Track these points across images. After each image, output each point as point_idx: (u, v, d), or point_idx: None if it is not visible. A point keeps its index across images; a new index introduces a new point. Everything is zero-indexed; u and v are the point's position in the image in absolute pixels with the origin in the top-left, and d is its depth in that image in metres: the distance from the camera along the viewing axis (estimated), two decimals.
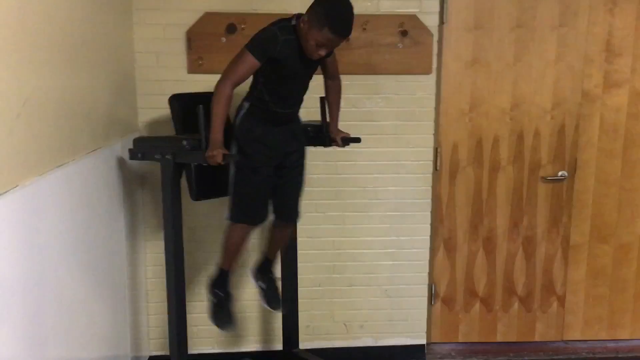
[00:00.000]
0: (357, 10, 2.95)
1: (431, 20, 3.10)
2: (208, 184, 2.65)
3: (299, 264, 3.14)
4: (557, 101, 3.33)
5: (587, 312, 3.58)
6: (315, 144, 2.74)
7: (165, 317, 2.66)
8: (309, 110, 2.71)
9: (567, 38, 3.26)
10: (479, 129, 3.34)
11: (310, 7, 2.28)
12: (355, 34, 3.03)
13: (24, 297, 1.72)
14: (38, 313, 1.83)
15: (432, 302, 3.51)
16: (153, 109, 3.05)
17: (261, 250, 2.96)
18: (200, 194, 2.66)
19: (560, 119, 3.35)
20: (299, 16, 2.34)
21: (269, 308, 2.77)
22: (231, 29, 2.99)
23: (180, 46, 3.03)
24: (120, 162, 2.71)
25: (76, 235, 2.17)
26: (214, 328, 2.67)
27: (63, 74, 2.04)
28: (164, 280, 2.60)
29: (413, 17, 3.08)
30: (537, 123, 3.35)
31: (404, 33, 3.09)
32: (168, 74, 3.04)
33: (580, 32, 3.26)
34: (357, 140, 2.66)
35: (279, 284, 2.86)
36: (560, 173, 3.40)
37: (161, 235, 2.73)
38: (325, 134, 2.66)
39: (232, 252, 2.55)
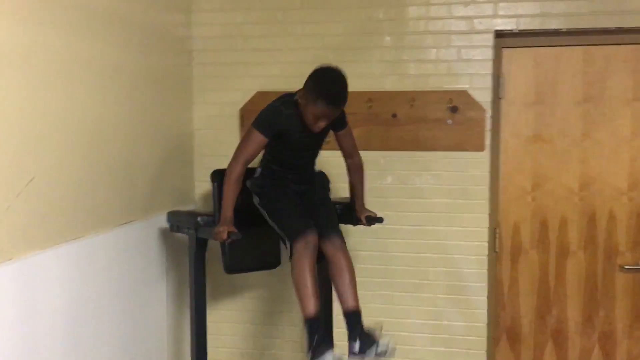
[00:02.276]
0: (405, 87, 2.99)
1: (484, 96, 2.99)
2: (241, 257, 2.70)
3: (346, 343, 3.05)
4: (635, 181, 3.00)
5: None
6: (343, 222, 2.70)
7: None
8: None
9: None
10: (544, 210, 3.09)
11: (305, 81, 2.32)
12: (402, 109, 3.02)
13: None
14: None
15: None
16: (208, 182, 3.21)
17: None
18: (232, 268, 2.72)
19: (638, 201, 3.00)
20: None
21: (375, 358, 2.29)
22: None
23: (235, 123, 3.19)
24: (167, 232, 2.87)
25: (110, 299, 2.35)
26: None
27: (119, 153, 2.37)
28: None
29: (463, 93, 2.99)
30: (612, 205, 3.03)
31: (453, 109, 3.00)
32: (223, 149, 3.18)
33: None
34: (380, 220, 2.58)
35: (374, 329, 2.36)
36: None
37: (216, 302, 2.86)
38: (352, 213, 2.61)
39: (306, 289, 2.27)
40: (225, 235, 2.25)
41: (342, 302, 2.35)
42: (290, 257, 2.34)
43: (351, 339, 2.28)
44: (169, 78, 2.98)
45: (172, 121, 3.03)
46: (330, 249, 2.37)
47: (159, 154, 2.86)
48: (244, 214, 2.45)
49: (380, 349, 2.22)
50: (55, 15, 2.03)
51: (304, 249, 2.28)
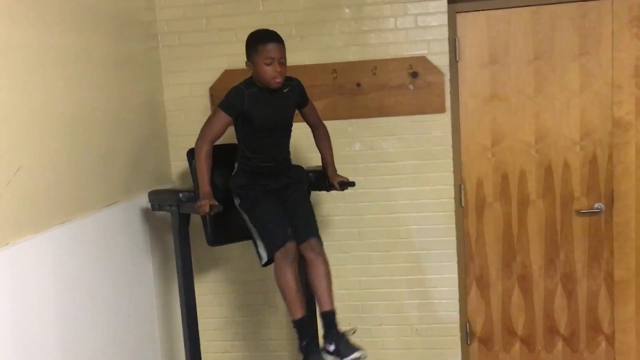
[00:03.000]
0: (367, 56, 3.12)
1: (441, 60, 3.14)
2: (222, 230, 2.83)
3: None
4: (586, 131, 3.21)
5: (639, 352, 3.34)
6: (317, 189, 2.85)
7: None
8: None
9: (590, 66, 3.16)
10: (504, 164, 3.29)
11: (245, 51, 2.49)
12: (365, 78, 3.15)
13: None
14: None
15: (468, 342, 3.44)
16: (184, 161, 3.31)
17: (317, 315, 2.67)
18: (215, 240, 2.85)
19: (590, 150, 3.22)
20: None
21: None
22: None
23: (205, 102, 3.29)
24: (149, 211, 2.99)
25: (99, 280, 2.48)
26: None
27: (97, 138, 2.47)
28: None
29: (422, 59, 3.14)
30: (566, 155, 3.24)
31: (414, 75, 3.15)
32: (195, 129, 3.29)
33: (605, 59, 3.14)
34: (352, 184, 2.73)
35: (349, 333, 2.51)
36: (596, 205, 3.25)
37: (201, 276, 3.09)
38: (325, 180, 2.76)
39: (292, 296, 2.44)
40: (207, 208, 2.37)
41: (319, 304, 2.52)
42: (262, 263, 2.51)
43: (327, 339, 2.46)
44: (138, 62, 3.06)
45: (145, 104, 3.12)
46: (309, 253, 2.51)
47: (135, 137, 2.96)
48: (222, 190, 2.59)
49: (355, 355, 2.39)
50: (27, 8, 2.10)
51: (284, 260, 2.43)
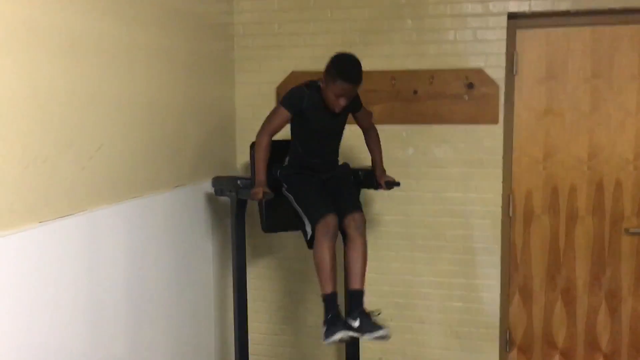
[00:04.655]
0: (425, 66, 3.28)
1: (498, 73, 3.25)
2: (277, 218, 3.07)
3: (371, 299, 3.39)
4: None
5: None
6: (365, 187, 3.04)
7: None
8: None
9: None
10: (554, 178, 3.36)
11: (325, 67, 2.63)
12: (422, 86, 3.32)
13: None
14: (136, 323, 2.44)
15: (507, 349, 3.52)
16: (248, 153, 3.59)
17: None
18: (269, 227, 3.09)
19: None
20: None
21: (372, 339, 2.57)
22: None
23: (271, 100, 3.55)
24: (213, 196, 3.27)
25: (164, 253, 2.78)
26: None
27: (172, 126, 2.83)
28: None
29: (479, 71, 3.26)
30: (618, 173, 3.27)
31: (470, 85, 3.28)
32: (261, 124, 3.57)
33: None
34: (397, 184, 2.90)
35: (376, 313, 2.62)
36: None
37: (256, 261, 3.36)
38: (373, 178, 2.94)
39: (325, 271, 2.56)
40: (260, 195, 2.61)
41: (349, 280, 2.64)
42: (307, 242, 2.67)
43: (351, 316, 2.55)
44: (214, 61, 3.37)
45: (217, 99, 3.43)
46: (352, 230, 2.65)
47: (206, 128, 3.26)
48: (278, 182, 2.82)
49: (380, 334, 2.50)
50: (121, 9, 2.42)
51: (325, 233, 2.55)
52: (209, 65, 3.30)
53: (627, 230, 3.30)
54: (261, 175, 2.67)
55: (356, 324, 2.50)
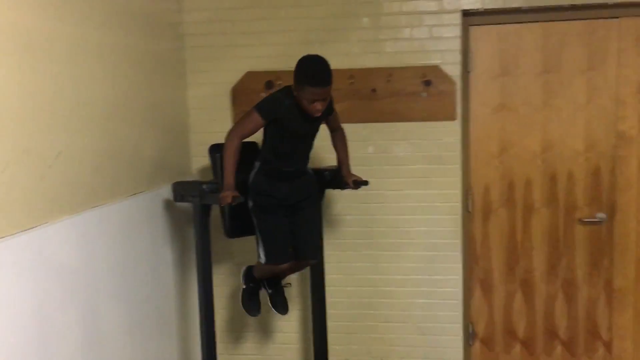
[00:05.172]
0: (382, 64, 3.27)
1: (454, 70, 3.29)
2: (240, 223, 2.97)
3: (336, 300, 3.40)
4: (590, 143, 3.35)
5: (636, 359, 3.46)
6: (332, 187, 3.00)
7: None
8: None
9: (596, 81, 3.30)
10: (510, 172, 3.43)
11: (293, 74, 2.58)
12: (380, 84, 3.31)
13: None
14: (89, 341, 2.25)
15: (471, 342, 3.57)
16: (205, 157, 3.47)
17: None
18: (232, 233, 3.00)
19: (594, 161, 3.35)
20: None
21: (275, 311, 3.05)
22: (269, 85, 3.37)
23: (227, 101, 3.45)
24: (171, 203, 3.13)
25: (122, 262, 2.64)
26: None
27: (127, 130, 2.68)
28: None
29: (435, 68, 3.29)
30: (570, 165, 3.38)
31: (427, 83, 3.30)
32: (216, 126, 3.45)
33: (611, 75, 3.28)
34: (365, 183, 2.88)
35: (286, 290, 3.11)
36: (598, 215, 3.38)
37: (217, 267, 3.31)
38: (340, 178, 2.91)
39: (264, 275, 3.00)
40: (230, 199, 2.53)
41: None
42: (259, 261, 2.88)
43: (267, 286, 3.03)
44: (165, 62, 3.23)
45: (170, 101, 3.28)
46: (301, 266, 3.01)
47: (160, 131, 3.12)
48: (242, 186, 2.74)
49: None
50: (72, 7, 2.27)
51: (269, 270, 2.90)
52: (159, 66, 3.15)
53: (580, 220, 3.41)
54: (230, 178, 2.58)
55: (270, 291, 3.01)
